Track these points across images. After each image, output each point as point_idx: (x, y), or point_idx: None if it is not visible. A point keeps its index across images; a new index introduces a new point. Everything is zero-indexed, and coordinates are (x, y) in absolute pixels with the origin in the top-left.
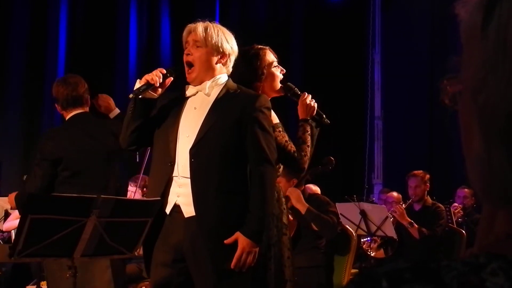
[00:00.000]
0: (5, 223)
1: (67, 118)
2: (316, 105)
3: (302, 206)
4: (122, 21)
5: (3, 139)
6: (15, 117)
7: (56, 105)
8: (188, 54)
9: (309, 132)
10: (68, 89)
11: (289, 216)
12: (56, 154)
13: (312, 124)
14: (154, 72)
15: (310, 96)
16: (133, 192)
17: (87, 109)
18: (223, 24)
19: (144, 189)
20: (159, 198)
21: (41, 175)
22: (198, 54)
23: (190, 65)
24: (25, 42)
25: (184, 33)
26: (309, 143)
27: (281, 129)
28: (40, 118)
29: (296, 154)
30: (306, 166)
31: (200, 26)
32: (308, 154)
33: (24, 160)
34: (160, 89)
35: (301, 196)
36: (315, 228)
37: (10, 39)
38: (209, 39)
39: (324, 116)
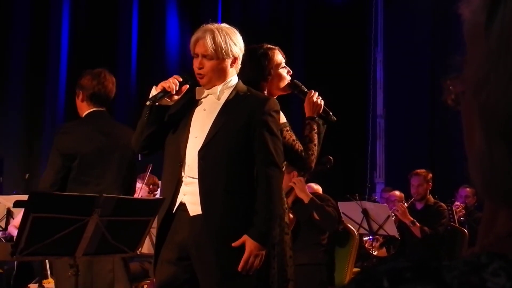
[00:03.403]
0: (10, 226)
1: (86, 112)
2: (322, 102)
3: (305, 196)
4: (125, 18)
5: (5, 136)
6: (17, 115)
7: (80, 92)
8: (200, 68)
9: (316, 131)
10: (98, 84)
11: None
12: (71, 149)
13: (319, 122)
14: (171, 80)
15: (316, 93)
16: (139, 188)
17: (105, 108)
18: (225, 23)
19: (151, 186)
20: (162, 197)
21: (56, 169)
22: (210, 65)
23: (203, 75)
24: (27, 39)
25: (191, 43)
26: (316, 142)
27: (288, 128)
28: (42, 116)
29: (303, 153)
30: (313, 165)
31: (208, 37)
32: (315, 153)
33: (26, 158)
34: (176, 96)
35: (305, 186)
36: (317, 218)
37: (12, 36)
38: (219, 49)
39: (330, 113)
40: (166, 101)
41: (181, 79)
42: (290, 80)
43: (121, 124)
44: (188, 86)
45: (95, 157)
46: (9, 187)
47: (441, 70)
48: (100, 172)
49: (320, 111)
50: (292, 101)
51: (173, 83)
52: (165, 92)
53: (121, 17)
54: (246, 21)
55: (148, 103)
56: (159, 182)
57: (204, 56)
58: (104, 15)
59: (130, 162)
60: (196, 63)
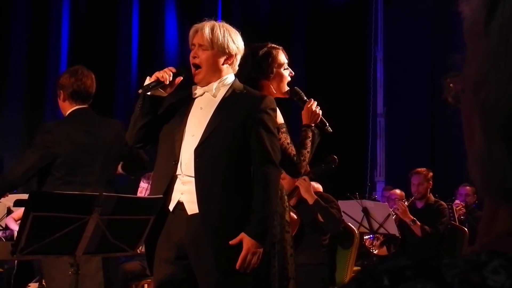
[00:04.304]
0: (7, 218)
1: (68, 111)
2: (321, 112)
3: (310, 197)
4: (125, 18)
5: (5, 135)
6: (17, 113)
7: (60, 92)
8: (194, 57)
9: (310, 138)
10: (77, 81)
11: (292, 214)
12: (51, 149)
13: (314, 131)
14: (165, 70)
15: (315, 103)
16: (145, 188)
17: (87, 105)
18: (225, 22)
19: None
20: (161, 196)
21: (28, 165)
22: (204, 56)
23: (197, 66)
24: (27, 37)
25: (190, 33)
26: (309, 149)
27: (284, 130)
28: (42, 114)
29: (295, 157)
30: (302, 171)
31: (206, 28)
32: (306, 160)
33: None
34: (169, 88)
35: (311, 187)
36: (321, 219)
37: (12, 34)
38: (216, 41)
39: (327, 124)
40: (160, 92)
41: (175, 71)
42: (291, 87)
43: (107, 119)
44: (182, 78)
45: (78, 156)
46: None
47: (442, 69)
48: (85, 171)
49: (317, 121)
50: (291, 106)
51: (166, 73)
52: (158, 82)
53: (120, 17)
54: (246, 20)
55: (140, 91)
56: None
57: (200, 45)
58: (103, 16)
59: (115, 159)
60: (191, 53)
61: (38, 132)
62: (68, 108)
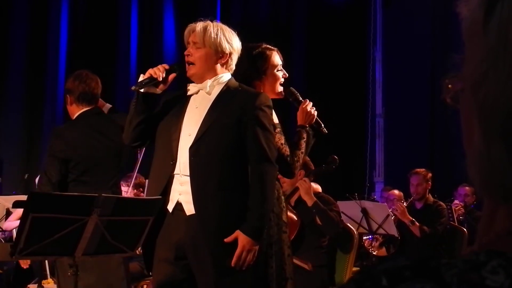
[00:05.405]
0: (6, 222)
1: (76, 114)
2: (316, 113)
3: (310, 199)
4: (124, 18)
5: (4, 137)
6: (17, 115)
7: (67, 97)
8: (188, 55)
9: (305, 139)
10: (81, 83)
11: (292, 215)
12: (65, 152)
13: (309, 132)
14: (158, 67)
15: (311, 104)
16: (126, 192)
17: (96, 106)
18: (224, 23)
19: (141, 188)
20: (160, 196)
21: (52, 175)
22: (197, 54)
23: (191, 64)
24: (26, 40)
25: (185, 33)
26: (303, 150)
27: (279, 130)
28: (41, 116)
29: (289, 158)
30: (296, 172)
31: (199, 27)
32: (300, 161)
33: (26, 158)
34: (162, 85)
35: (311, 188)
36: (319, 223)
37: (11, 36)
38: (208, 39)
39: (322, 125)
40: (153, 89)
41: (168, 67)
42: (286, 87)
43: (112, 117)
44: (175, 75)
45: (89, 158)
46: (8, 187)
47: (441, 69)
48: (96, 171)
49: (312, 122)
50: (287, 106)
51: (159, 70)
52: (151, 79)
53: (120, 18)
54: (245, 21)
55: (133, 88)
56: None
57: (194, 43)
58: (103, 16)
59: (121, 160)
60: (186, 51)
61: (51, 137)
62: (75, 111)
